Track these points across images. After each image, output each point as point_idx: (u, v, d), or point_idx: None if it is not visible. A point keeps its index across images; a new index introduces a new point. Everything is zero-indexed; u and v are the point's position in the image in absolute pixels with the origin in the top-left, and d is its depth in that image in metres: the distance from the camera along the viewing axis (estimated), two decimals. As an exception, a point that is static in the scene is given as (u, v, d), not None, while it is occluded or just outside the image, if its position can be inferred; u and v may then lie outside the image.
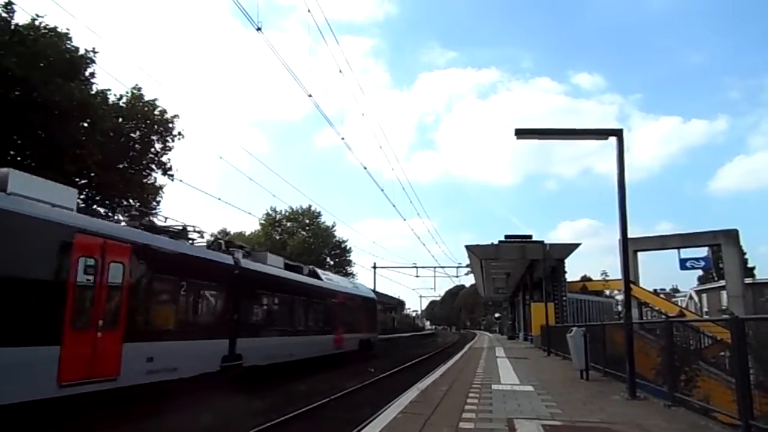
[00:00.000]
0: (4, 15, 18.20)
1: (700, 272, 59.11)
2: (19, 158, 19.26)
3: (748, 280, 42.05)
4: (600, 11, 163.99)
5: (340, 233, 64.18)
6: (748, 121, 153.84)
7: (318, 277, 22.96)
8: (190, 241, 14.22)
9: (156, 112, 24.62)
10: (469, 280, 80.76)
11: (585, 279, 54.89)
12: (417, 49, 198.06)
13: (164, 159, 25.38)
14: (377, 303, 33.89)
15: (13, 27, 18.34)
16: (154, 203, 25.53)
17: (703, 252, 40.14)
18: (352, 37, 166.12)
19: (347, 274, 63.34)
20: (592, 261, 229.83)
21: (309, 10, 15.58)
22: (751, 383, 6.04)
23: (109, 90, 22.99)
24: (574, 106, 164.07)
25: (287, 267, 20.22)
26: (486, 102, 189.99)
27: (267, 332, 17.05)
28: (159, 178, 25.71)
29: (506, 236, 34.47)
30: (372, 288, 60.22)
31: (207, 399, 11.43)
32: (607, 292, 55.17)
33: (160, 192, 26.03)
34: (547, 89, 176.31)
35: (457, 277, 71.93)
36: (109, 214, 20.14)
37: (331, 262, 63.19)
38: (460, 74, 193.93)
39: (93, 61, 21.10)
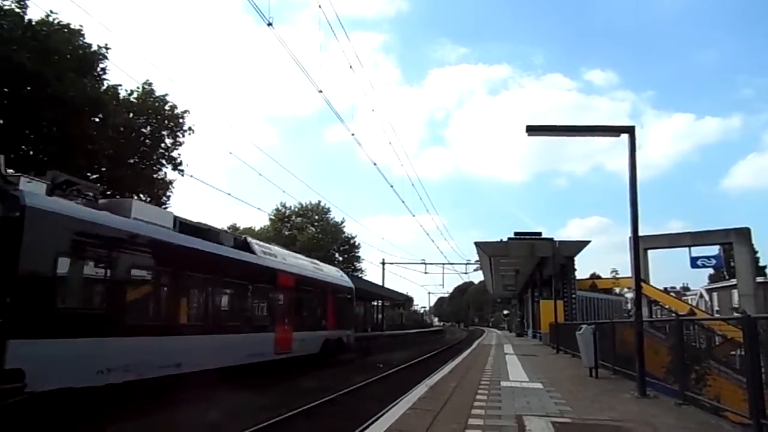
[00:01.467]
0: (17, 10, 18.33)
1: (711, 271, 58.70)
2: (31, 153, 19.44)
3: (759, 279, 41.70)
4: (612, 7, 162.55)
5: (348, 229, 64.44)
6: (762, 118, 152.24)
7: (248, 250, 16.27)
8: None
9: (166, 108, 24.76)
10: (477, 277, 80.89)
11: (595, 277, 54.67)
12: (428, 45, 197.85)
13: (174, 154, 25.55)
14: (353, 292, 25.90)
15: (26, 22, 18.46)
16: (164, 198, 25.69)
17: (714, 250, 39.82)
18: (363, 33, 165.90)
19: (356, 270, 63.50)
20: (602, 259, 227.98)
21: (320, 6, 15.57)
22: (763, 382, 6.01)
23: (121, 85, 23.18)
24: (586, 102, 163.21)
25: (184, 227, 13.58)
26: (497, 98, 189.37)
27: (110, 327, 10.24)
28: (169, 173, 25.86)
29: (515, 233, 34.47)
30: (381, 284, 60.70)
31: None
32: (617, 290, 55.00)
33: (171, 187, 26.19)
34: (559, 85, 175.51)
35: (465, 273, 71.90)
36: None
37: (340, 258, 63.37)
38: (471, 70, 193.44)
39: (105, 57, 21.21)
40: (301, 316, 19.61)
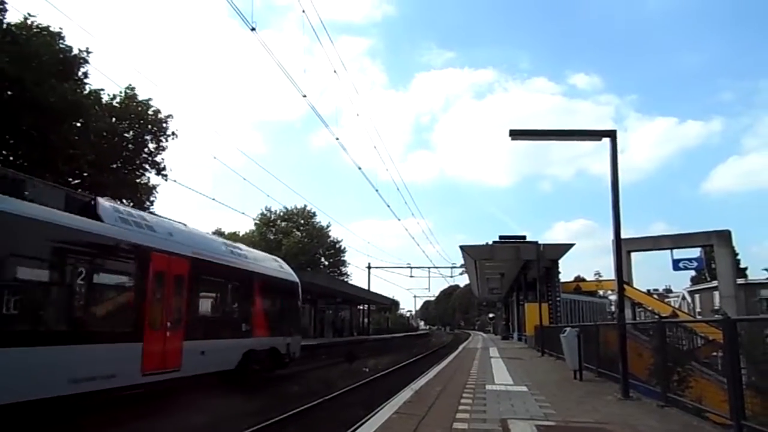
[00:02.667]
0: (-5, 14, 18.11)
1: (693, 273, 59.45)
2: (11, 158, 19.18)
3: (740, 281, 42.34)
4: (597, 12, 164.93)
5: (334, 233, 64.47)
6: (742, 122, 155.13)
7: (93, 215, 10.35)
8: None
9: (150, 112, 24.59)
10: (463, 281, 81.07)
11: (579, 279, 55.17)
12: (414, 49, 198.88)
13: (158, 159, 25.38)
14: (298, 288, 19.76)
15: (5, 26, 18.24)
16: (148, 203, 25.47)
17: (696, 253, 40.33)
18: (350, 37, 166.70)
19: (342, 274, 63.44)
20: (587, 261, 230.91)
21: (303, 11, 15.59)
22: (743, 384, 6.08)
23: (103, 90, 22.98)
24: (570, 106, 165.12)
25: None
26: (482, 102, 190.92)
27: None
28: (153, 177, 25.69)
29: (501, 237, 34.57)
30: (367, 288, 60.60)
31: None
32: (601, 293, 55.41)
33: (154, 192, 25.99)
34: (543, 89, 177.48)
35: (451, 277, 72.35)
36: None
37: (326, 262, 63.27)
38: (456, 74, 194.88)
39: (86, 61, 21.05)
40: (200, 317, 13.47)
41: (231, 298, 15.43)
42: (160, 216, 13.38)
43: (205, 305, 14.22)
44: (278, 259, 20.09)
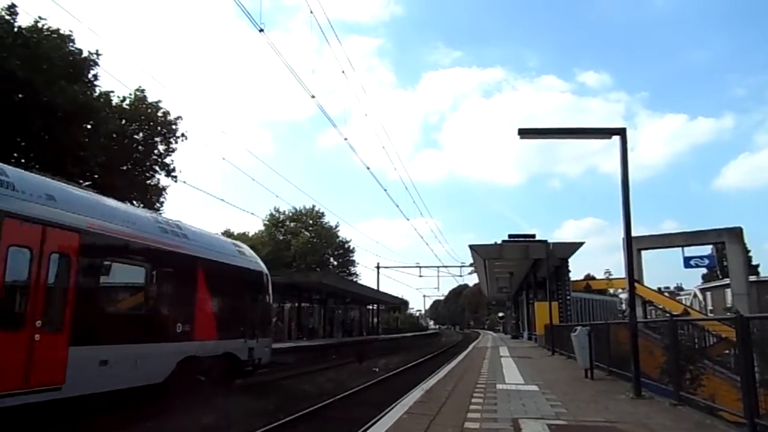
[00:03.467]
0: (7, 17, 18.26)
1: (704, 270, 59.07)
2: (23, 160, 19.36)
3: (752, 278, 41.93)
4: (605, 9, 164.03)
5: (343, 233, 64.52)
6: (754, 118, 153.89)
7: None
8: None
9: (159, 114, 24.74)
10: (472, 280, 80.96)
11: (589, 278, 54.87)
12: (422, 49, 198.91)
13: (167, 160, 25.53)
14: (265, 280, 16.21)
15: (16, 29, 18.39)
16: (158, 204, 25.62)
17: (707, 250, 40.08)
18: (358, 37, 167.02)
19: (351, 274, 63.50)
20: (597, 260, 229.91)
21: (311, 11, 15.62)
22: (756, 382, 6.03)
23: (113, 92, 23.15)
24: (580, 104, 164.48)
25: None
26: (491, 101, 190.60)
27: None
28: (162, 179, 25.83)
29: (510, 235, 34.50)
30: (376, 288, 60.65)
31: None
32: (611, 291, 55.18)
33: (164, 193, 26.14)
34: (553, 87, 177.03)
35: (460, 276, 72.36)
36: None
37: (335, 262, 63.35)
38: (465, 73, 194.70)
39: (96, 64, 21.19)
40: (100, 313, 9.91)
41: (157, 288, 11.42)
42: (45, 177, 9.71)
43: (112, 297, 10.78)
44: (241, 244, 16.58)
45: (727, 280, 42.22)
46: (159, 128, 24.83)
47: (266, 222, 59.10)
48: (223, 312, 13.58)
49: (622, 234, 10.76)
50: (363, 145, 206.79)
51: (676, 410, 8.04)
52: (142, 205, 23.07)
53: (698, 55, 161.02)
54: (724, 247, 39.40)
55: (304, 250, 56.99)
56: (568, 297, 33.40)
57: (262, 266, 16.35)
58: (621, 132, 10.38)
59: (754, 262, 60.34)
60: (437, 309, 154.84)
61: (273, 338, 17.07)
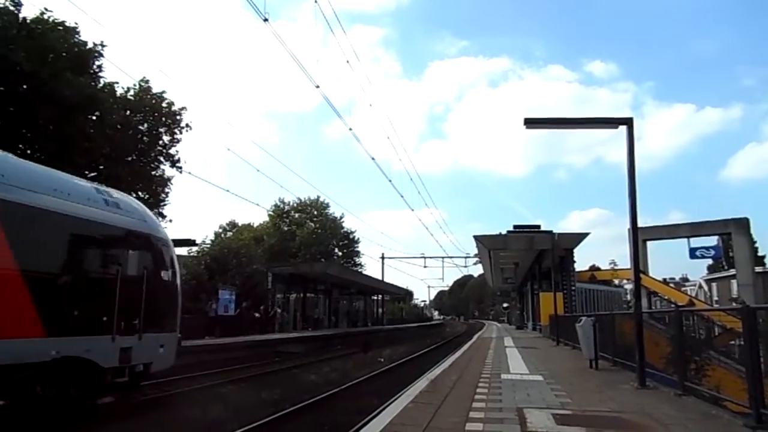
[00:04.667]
0: (11, 9, 18.26)
1: (709, 262, 58.92)
2: (29, 152, 19.42)
3: (758, 269, 41.85)
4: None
5: (348, 224, 64.52)
6: (762, 108, 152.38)
7: None
8: None
9: (164, 105, 24.71)
10: (477, 270, 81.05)
11: (594, 268, 54.77)
12: (428, 39, 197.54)
13: (172, 151, 25.46)
14: (165, 246, 11.42)
15: (21, 21, 18.39)
16: (163, 195, 25.67)
17: (713, 241, 39.94)
18: (363, 27, 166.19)
19: (356, 265, 63.60)
20: (602, 250, 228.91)
21: (316, 1, 15.56)
22: (762, 372, 6.04)
23: (117, 83, 23.12)
24: (587, 94, 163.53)
25: None
26: (497, 91, 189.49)
27: None
28: (167, 169, 25.81)
29: (515, 226, 34.49)
30: (380, 278, 60.72)
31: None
32: (616, 282, 55.07)
33: (169, 184, 26.16)
34: (559, 77, 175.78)
35: (465, 267, 72.33)
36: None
37: (340, 253, 63.47)
38: (471, 63, 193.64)
39: (101, 55, 21.14)
40: None
41: None
42: None
43: None
44: (117, 192, 10.92)
45: (732, 271, 42.12)
46: (164, 119, 24.80)
47: (271, 213, 59.22)
48: (62, 293, 8.63)
49: (627, 225, 10.73)
50: (368, 135, 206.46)
51: (680, 400, 8.05)
52: (148, 197, 23.16)
53: (707, 45, 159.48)
54: (730, 237, 39.27)
55: (309, 241, 57.07)
56: (573, 288, 33.41)
57: (156, 227, 11.65)
58: (628, 122, 10.31)
59: (760, 253, 60.22)
60: (442, 300, 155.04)
61: (181, 333, 12.00)
